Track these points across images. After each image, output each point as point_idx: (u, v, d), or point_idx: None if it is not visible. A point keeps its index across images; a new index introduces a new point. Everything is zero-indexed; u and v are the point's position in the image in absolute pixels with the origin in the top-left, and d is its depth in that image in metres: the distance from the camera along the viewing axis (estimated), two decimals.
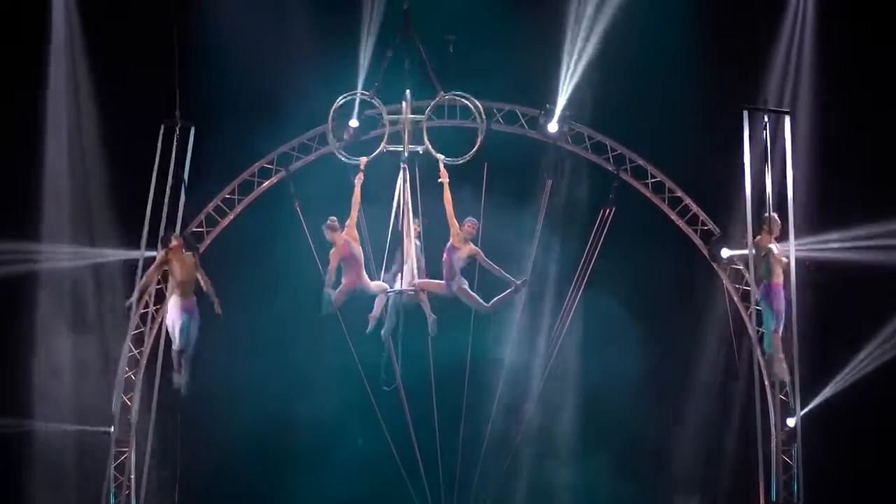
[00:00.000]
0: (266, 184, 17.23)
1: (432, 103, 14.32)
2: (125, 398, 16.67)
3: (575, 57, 16.76)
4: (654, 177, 17.26)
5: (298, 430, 17.21)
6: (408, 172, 14.14)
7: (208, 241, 17.12)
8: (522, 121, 17.33)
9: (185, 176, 15.15)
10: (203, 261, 16.52)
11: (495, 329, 16.96)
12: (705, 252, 17.08)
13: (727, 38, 16.64)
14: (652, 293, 17.52)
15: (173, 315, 14.65)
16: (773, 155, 15.14)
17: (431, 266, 14.54)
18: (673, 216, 17.17)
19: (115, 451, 16.31)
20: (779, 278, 14.46)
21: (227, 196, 17.21)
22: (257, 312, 17.11)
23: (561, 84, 16.72)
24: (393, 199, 14.22)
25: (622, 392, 17.30)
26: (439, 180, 14.21)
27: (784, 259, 14.67)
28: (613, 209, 17.00)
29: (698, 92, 16.71)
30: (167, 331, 14.94)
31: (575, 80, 16.84)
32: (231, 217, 17.19)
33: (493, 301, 14.47)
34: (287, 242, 16.89)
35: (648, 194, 17.23)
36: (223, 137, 16.81)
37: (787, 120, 15.23)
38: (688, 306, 17.45)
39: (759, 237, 14.68)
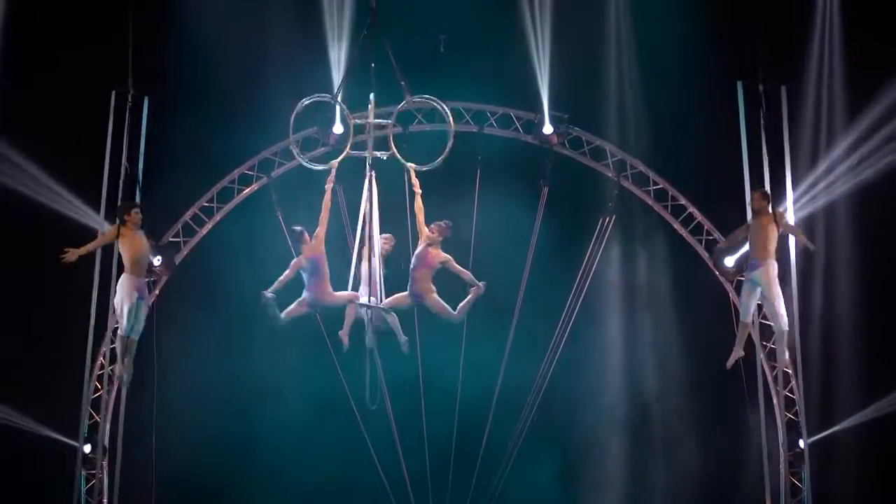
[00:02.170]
0: (246, 191, 16.84)
1: (398, 108, 13.75)
2: (97, 416, 16.22)
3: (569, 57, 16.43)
4: (657, 184, 16.84)
5: (278, 444, 16.80)
6: (373, 180, 13.65)
7: (186, 251, 16.76)
8: (517, 124, 16.87)
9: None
10: (180, 271, 16.64)
11: (489, 342, 16.51)
12: (710, 263, 16.54)
13: (731, 32, 15.95)
14: (654, 304, 17.14)
15: (122, 295, 13.71)
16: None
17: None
18: (676, 225, 16.74)
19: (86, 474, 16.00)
20: (773, 255, 13.90)
21: (206, 204, 16.80)
22: (237, 325, 16.74)
23: (543, 83, 16.38)
24: (359, 209, 13.79)
25: (623, 410, 17.00)
26: (413, 190, 13.78)
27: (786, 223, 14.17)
28: (613, 217, 16.65)
29: (702, 96, 16.27)
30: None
31: (570, 81, 16.52)
32: (210, 226, 16.79)
33: (459, 307, 14.02)
34: (268, 252, 16.31)
35: (650, 202, 16.84)
36: (202, 143, 16.46)
37: (784, 90, 15.08)
38: (691, 318, 17.04)
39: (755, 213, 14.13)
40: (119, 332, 13.93)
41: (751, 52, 15.09)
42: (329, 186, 13.71)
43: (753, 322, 15.92)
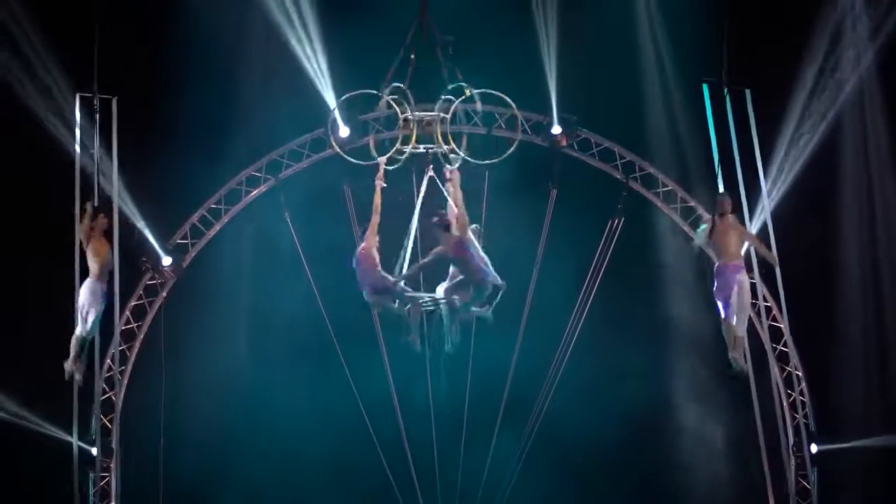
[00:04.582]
0: (254, 193, 16.76)
1: (457, 101, 13.64)
2: (105, 420, 16.09)
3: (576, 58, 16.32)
4: (665, 185, 16.76)
5: (284, 445, 16.70)
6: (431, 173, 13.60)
7: (194, 253, 16.66)
8: (525, 126, 16.65)
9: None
10: (187, 274, 16.55)
11: (498, 343, 16.28)
12: None
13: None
14: (662, 307, 17.03)
15: (90, 300, 13.71)
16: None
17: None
18: (685, 227, 16.66)
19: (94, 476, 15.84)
20: (735, 259, 13.63)
21: (214, 206, 16.71)
22: (246, 327, 16.71)
23: (552, 84, 16.32)
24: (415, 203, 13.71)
25: (633, 413, 16.85)
26: (448, 179, 13.51)
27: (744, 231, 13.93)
28: (622, 220, 16.57)
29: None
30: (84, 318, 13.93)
31: (578, 81, 16.41)
32: (217, 228, 16.69)
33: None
34: (276, 253, 16.52)
35: (659, 204, 16.79)
36: (209, 144, 16.37)
37: (748, 94, 15.02)
38: (701, 319, 16.72)
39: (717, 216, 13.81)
40: (79, 332, 13.86)
41: (716, 54, 15.08)
42: (378, 185, 13.43)
43: (762, 324, 16.01)
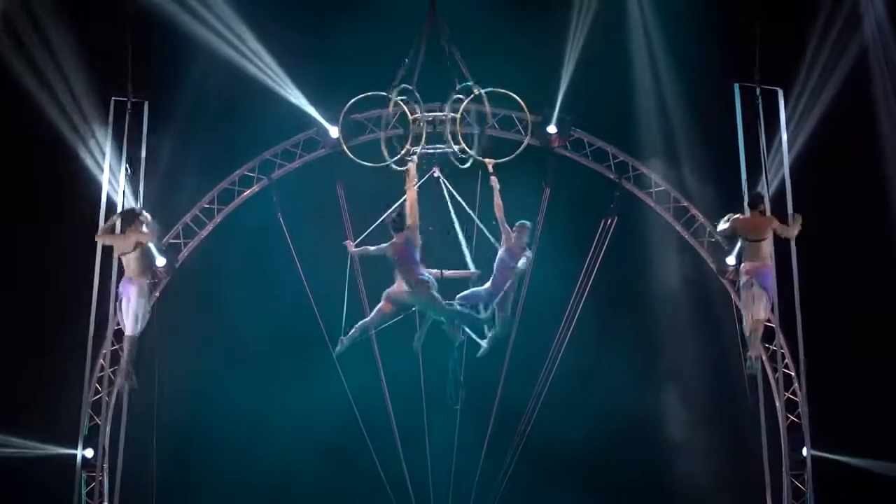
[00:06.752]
0: (247, 193, 16.70)
1: (466, 99, 13.89)
2: (97, 419, 16.06)
3: (574, 56, 16.35)
4: (659, 186, 16.71)
5: (278, 445, 16.73)
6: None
7: (186, 253, 16.65)
8: (519, 126, 16.66)
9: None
10: (180, 273, 16.53)
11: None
12: (713, 265, 16.40)
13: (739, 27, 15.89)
14: (656, 308, 17.03)
15: (133, 301, 13.86)
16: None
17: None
18: (678, 227, 16.62)
19: (86, 477, 15.78)
20: (769, 260, 13.83)
21: (206, 206, 16.68)
22: (240, 328, 16.71)
23: (563, 84, 16.32)
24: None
25: (627, 414, 16.82)
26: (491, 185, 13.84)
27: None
28: (615, 220, 16.52)
29: (705, 98, 16.25)
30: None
31: (574, 81, 16.39)
32: (210, 227, 16.67)
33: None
34: (269, 254, 16.52)
35: (652, 204, 16.74)
36: (202, 144, 16.44)
37: (781, 94, 14.96)
38: (696, 322, 16.92)
39: (744, 216, 14.00)
40: (128, 333, 14.04)
41: (748, 54, 15.06)
42: (410, 187, 13.56)
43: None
